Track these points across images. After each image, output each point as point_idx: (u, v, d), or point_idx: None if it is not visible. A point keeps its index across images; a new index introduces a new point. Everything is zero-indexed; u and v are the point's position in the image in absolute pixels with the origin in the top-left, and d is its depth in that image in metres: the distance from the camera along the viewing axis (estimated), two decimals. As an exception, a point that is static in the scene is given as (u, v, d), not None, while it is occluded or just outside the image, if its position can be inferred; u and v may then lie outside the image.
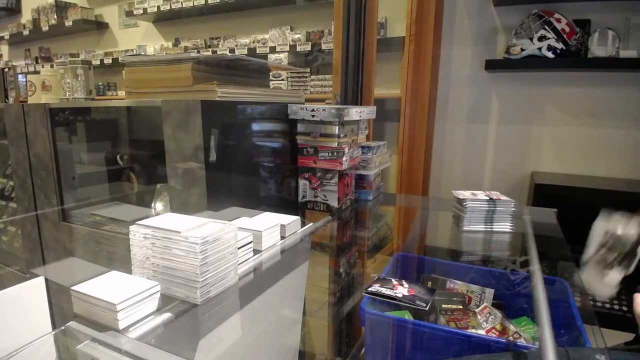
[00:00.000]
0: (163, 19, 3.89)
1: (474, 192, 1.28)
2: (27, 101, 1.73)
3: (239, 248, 0.76)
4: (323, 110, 1.26)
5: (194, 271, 0.64)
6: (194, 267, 0.64)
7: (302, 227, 1.02)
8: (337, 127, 1.26)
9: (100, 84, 4.14)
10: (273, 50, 3.17)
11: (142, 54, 3.71)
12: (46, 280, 0.63)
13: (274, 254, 0.88)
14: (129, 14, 3.77)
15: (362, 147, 1.49)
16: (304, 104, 1.33)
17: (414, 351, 0.79)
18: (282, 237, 0.94)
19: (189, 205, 1.05)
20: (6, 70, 1.95)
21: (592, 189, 1.97)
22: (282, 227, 0.94)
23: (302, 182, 1.35)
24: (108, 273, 0.67)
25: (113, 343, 0.57)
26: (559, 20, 2.07)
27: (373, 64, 1.85)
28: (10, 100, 1.95)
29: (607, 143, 2.21)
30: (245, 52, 3.32)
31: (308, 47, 3.03)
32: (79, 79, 1.52)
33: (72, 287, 0.62)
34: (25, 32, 4.66)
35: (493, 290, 1.02)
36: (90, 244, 1.35)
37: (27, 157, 1.45)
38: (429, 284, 1.03)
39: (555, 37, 2.07)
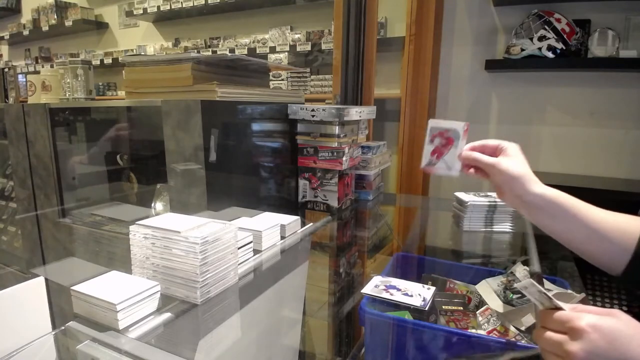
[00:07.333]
0: (163, 19, 3.89)
1: (475, 193, 1.28)
2: (27, 101, 1.73)
3: (239, 248, 0.76)
4: (323, 110, 1.26)
5: (194, 271, 0.64)
6: (194, 267, 0.64)
7: (302, 227, 1.02)
8: (337, 127, 1.26)
9: (100, 84, 4.14)
10: (273, 50, 3.17)
11: (142, 54, 3.71)
12: (46, 280, 0.63)
13: (274, 254, 0.88)
14: (129, 14, 3.77)
15: (362, 147, 1.49)
16: (304, 104, 1.33)
17: (414, 351, 0.79)
18: (282, 237, 0.94)
19: (189, 205, 1.05)
20: (6, 70, 1.95)
21: (592, 189, 1.97)
22: (282, 227, 0.94)
23: (302, 182, 1.35)
24: (108, 273, 0.67)
25: (113, 343, 0.56)
26: (559, 20, 2.07)
27: (373, 64, 1.85)
28: (10, 100, 1.95)
29: (607, 143, 2.21)
30: (245, 52, 3.32)
31: (308, 47, 3.03)
32: (79, 79, 1.52)
33: (72, 287, 0.62)
34: (25, 32, 4.66)
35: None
36: (90, 244, 1.35)
37: (27, 157, 1.45)
38: (429, 284, 1.02)
39: (555, 37, 2.07)
